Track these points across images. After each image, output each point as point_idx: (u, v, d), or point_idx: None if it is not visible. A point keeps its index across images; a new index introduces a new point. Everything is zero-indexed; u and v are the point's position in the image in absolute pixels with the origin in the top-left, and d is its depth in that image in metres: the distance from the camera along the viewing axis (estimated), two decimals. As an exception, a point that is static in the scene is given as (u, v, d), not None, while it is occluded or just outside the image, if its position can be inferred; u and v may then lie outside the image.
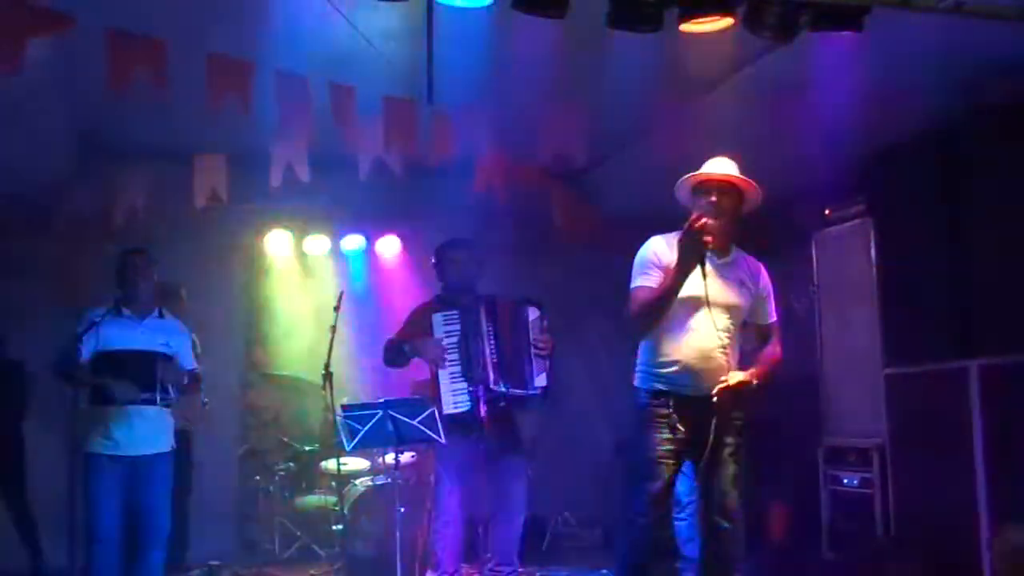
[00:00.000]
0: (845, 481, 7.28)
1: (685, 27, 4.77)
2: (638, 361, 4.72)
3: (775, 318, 4.83)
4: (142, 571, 5.48)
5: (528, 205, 7.72)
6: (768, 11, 4.73)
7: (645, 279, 4.58)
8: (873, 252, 7.21)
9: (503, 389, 5.86)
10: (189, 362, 5.73)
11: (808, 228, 7.91)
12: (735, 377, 4.45)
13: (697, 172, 4.60)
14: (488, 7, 4.79)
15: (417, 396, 6.37)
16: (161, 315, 5.72)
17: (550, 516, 8.42)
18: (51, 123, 6.51)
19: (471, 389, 5.89)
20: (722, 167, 4.59)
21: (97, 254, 7.41)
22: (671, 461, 4.54)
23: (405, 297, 8.39)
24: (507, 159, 6.74)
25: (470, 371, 5.95)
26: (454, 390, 5.98)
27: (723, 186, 4.56)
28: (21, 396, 7.46)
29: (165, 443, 5.56)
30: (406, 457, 7.13)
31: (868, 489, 7.00)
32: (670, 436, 4.52)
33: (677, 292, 4.42)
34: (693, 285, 4.43)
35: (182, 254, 7.54)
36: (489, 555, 6.04)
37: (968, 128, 6.45)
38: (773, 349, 4.78)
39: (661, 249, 4.60)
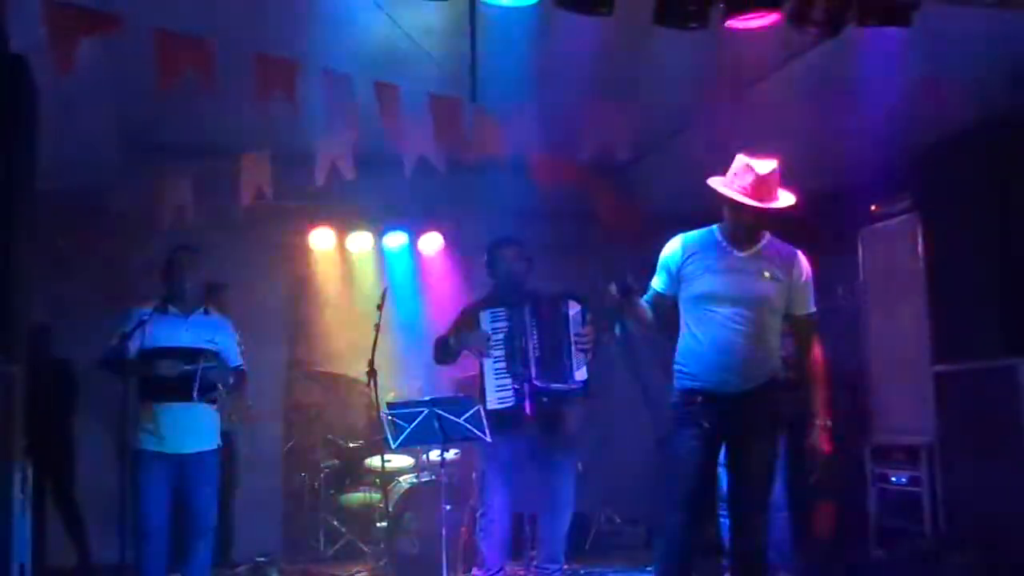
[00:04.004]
0: (893, 479, 7.23)
1: (731, 23, 4.74)
2: (674, 361, 4.73)
3: (812, 309, 4.73)
4: (189, 567, 5.53)
5: (570, 202, 7.69)
6: (815, 6, 4.69)
7: (655, 280, 4.74)
8: (920, 248, 7.14)
9: (544, 384, 5.87)
10: (235, 359, 5.76)
11: (855, 224, 7.85)
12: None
13: (745, 200, 4.48)
14: (532, 5, 4.79)
15: (463, 394, 6.38)
16: (207, 312, 5.75)
17: (594, 514, 8.39)
18: (99, 122, 6.57)
19: (516, 386, 5.90)
20: (765, 186, 4.47)
21: (144, 252, 7.48)
22: (701, 458, 4.53)
23: (448, 294, 8.43)
24: (550, 156, 6.73)
25: (514, 367, 5.95)
26: (498, 386, 6.00)
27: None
28: (70, 393, 7.53)
29: (212, 440, 5.60)
30: (451, 454, 7.14)
31: (917, 487, 6.95)
32: (698, 433, 4.51)
33: (641, 321, 4.68)
34: (717, 280, 4.50)
35: (227, 252, 7.59)
36: (534, 552, 6.04)
37: (1017, 122, 6.36)
38: (813, 356, 4.77)
39: (673, 252, 4.70)
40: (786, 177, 4.54)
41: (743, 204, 4.46)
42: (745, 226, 4.56)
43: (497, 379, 5.99)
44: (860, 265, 7.80)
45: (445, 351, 6.24)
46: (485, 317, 6.09)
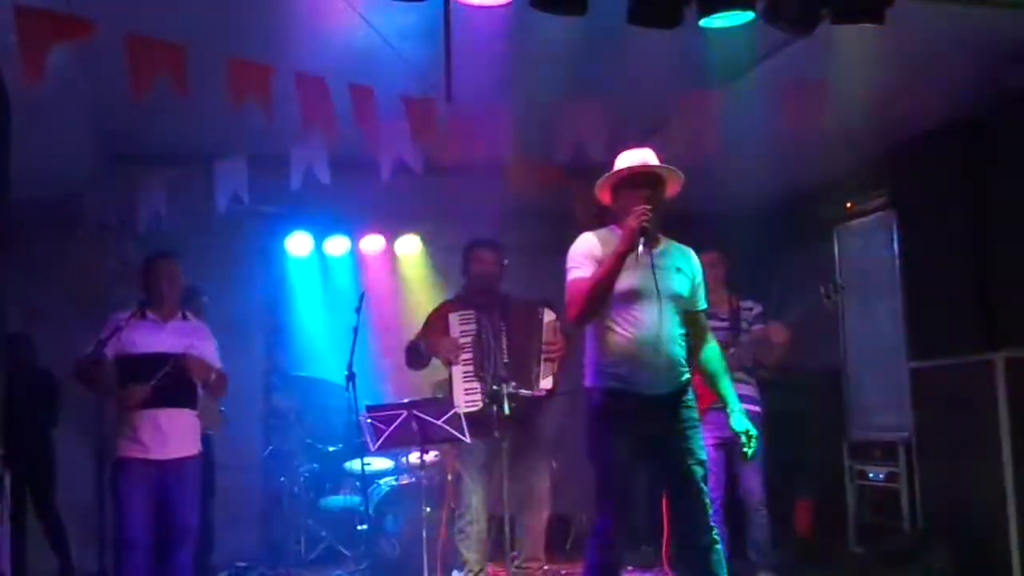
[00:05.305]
0: (871, 475, 7.26)
1: (705, 22, 4.75)
2: (587, 360, 4.58)
3: (705, 305, 4.75)
4: (170, 574, 5.49)
5: (548, 202, 7.69)
6: (788, 4, 4.70)
7: (580, 271, 4.52)
8: (896, 245, 7.18)
9: (510, 389, 5.84)
10: (215, 364, 5.73)
11: (830, 221, 7.88)
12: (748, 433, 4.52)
13: (628, 166, 4.54)
14: (505, 5, 4.79)
15: (440, 396, 6.38)
16: (186, 318, 5.73)
17: (574, 514, 8.39)
18: (73, 128, 6.52)
19: (488, 388, 5.88)
20: (648, 158, 4.55)
21: (120, 258, 7.43)
22: (635, 462, 4.45)
23: (425, 297, 8.41)
24: (526, 156, 6.73)
25: (483, 370, 5.95)
26: (467, 389, 6.00)
27: (653, 179, 4.53)
28: (51, 402, 7.47)
29: (192, 446, 5.57)
30: (430, 456, 7.13)
31: (894, 483, 6.98)
32: (630, 437, 4.40)
33: (615, 277, 4.37)
34: (638, 277, 4.40)
35: (204, 257, 7.55)
36: (515, 552, 6.04)
37: (991, 118, 6.41)
38: (713, 354, 4.72)
39: (593, 244, 4.55)
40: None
41: (638, 175, 4.51)
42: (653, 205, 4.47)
43: (465, 381, 6.00)
44: (836, 262, 7.83)
45: (416, 356, 6.24)
46: (453, 319, 6.09)
